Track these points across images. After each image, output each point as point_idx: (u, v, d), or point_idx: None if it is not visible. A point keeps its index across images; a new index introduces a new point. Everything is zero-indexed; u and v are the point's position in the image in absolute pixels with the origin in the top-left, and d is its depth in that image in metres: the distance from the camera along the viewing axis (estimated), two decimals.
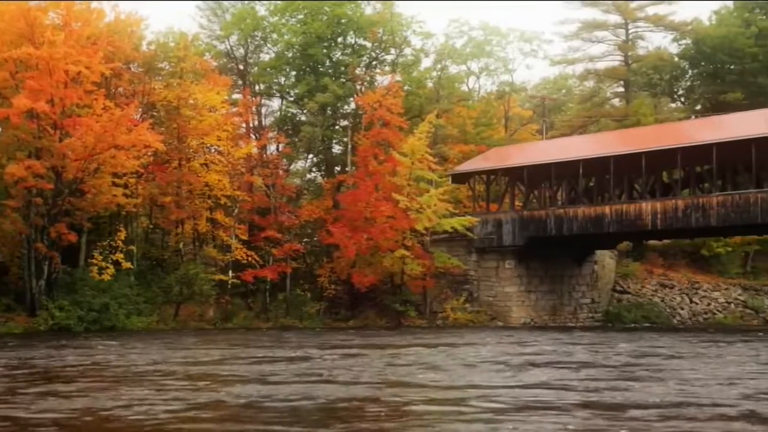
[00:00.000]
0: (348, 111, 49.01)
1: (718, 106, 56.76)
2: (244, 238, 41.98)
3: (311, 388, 14.86)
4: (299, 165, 51.59)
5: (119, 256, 37.66)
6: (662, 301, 47.56)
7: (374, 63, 49.77)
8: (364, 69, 48.73)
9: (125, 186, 37.73)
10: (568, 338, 30.47)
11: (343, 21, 48.41)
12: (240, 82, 48.40)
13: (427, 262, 41.27)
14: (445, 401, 13.76)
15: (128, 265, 38.05)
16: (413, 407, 13.03)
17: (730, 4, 62.83)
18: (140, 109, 40.42)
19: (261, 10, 49.60)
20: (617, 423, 11.47)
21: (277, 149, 47.40)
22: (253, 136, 46.46)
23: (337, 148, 50.61)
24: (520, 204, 45.16)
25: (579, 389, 14.73)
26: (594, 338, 30.61)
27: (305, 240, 46.13)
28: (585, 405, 12.97)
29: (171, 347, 25.87)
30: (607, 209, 39.96)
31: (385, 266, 40.93)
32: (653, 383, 15.48)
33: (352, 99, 47.93)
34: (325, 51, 48.40)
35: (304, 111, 48.10)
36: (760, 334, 34.96)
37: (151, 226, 44.34)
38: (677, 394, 14.07)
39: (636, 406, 12.76)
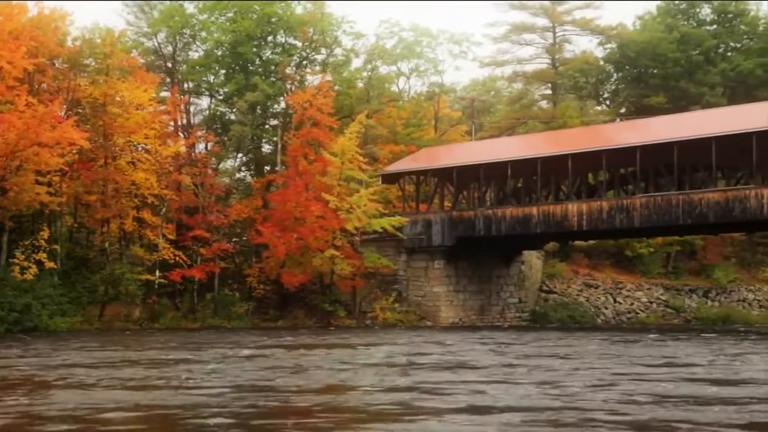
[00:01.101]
0: (278, 110, 48.77)
1: (641, 110, 58.00)
2: (172, 237, 41.47)
3: (128, 395, 14.35)
4: (228, 164, 51.20)
5: (42, 255, 36.87)
6: (587, 300, 48.41)
7: (305, 62, 49.61)
8: (294, 68, 48.53)
9: (49, 184, 36.97)
10: (482, 338, 30.75)
11: (273, 20, 48.14)
12: (168, 79, 47.79)
13: (356, 262, 41.31)
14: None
15: (52, 264, 37.30)
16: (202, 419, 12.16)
17: (655, 7, 64.31)
18: (65, 106, 39.63)
19: (190, 7, 49.07)
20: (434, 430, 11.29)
21: (206, 148, 46.93)
22: (182, 135, 45.94)
23: (266, 148, 50.32)
24: (450, 204, 45.52)
25: (436, 392, 14.56)
26: (507, 338, 30.92)
27: (234, 240, 45.76)
28: (421, 409, 12.69)
29: (80, 348, 25.36)
30: (534, 210, 40.53)
31: (315, 266, 40.86)
32: (519, 386, 15.38)
33: (282, 98, 47.71)
34: (255, 50, 48.07)
35: (234, 110, 47.71)
36: (678, 333, 35.84)
37: (75, 225, 43.51)
38: (534, 397, 13.96)
39: (473, 410, 12.57)
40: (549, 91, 63.54)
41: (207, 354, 23.15)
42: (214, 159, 47.28)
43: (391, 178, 46.36)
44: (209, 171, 44.76)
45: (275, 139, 47.32)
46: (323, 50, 49.81)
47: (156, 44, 48.36)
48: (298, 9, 49.81)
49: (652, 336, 32.24)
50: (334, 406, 13.34)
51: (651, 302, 49.50)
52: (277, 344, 27.35)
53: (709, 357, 21.98)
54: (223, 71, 49.30)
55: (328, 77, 47.54)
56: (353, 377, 17.36)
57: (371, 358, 21.66)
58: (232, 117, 48.63)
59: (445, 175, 44.84)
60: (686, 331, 37.90)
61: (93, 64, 41.65)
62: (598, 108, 66.13)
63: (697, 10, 63.81)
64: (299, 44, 49.29)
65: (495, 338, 30.70)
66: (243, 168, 52.41)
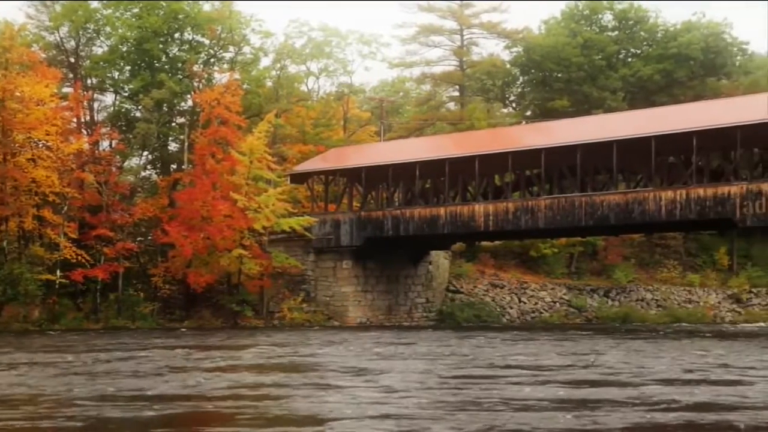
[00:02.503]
0: (185, 108, 48.12)
1: (546, 112, 59.24)
2: (74, 236, 40.47)
3: None
4: (133, 162, 50.19)
5: None
6: (493, 300, 49.14)
7: (212, 60, 49.03)
8: (201, 66, 47.91)
9: None
10: (370, 338, 30.88)
11: (180, 16, 47.44)
12: (71, 75, 46.61)
13: (264, 262, 41.08)
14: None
15: None
16: None
17: (560, 13, 65.70)
18: None
19: (94, 2, 47.97)
20: None
21: (110, 145, 45.94)
22: (85, 132, 44.87)
23: (173, 146, 49.52)
24: (358, 205, 45.63)
25: (221, 397, 14.42)
26: (396, 338, 31.05)
27: (139, 239, 44.96)
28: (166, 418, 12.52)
29: None
30: (442, 210, 40.94)
31: (222, 266, 40.47)
32: (320, 390, 15.49)
33: (189, 96, 47.07)
34: (161, 46, 47.29)
35: (139, 107, 46.82)
36: (571, 331, 36.68)
37: None
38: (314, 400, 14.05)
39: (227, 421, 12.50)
40: (457, 93, 64.27)
41: (54, 357, 22.22)
42: (118, 157, 46.32)
43: (299, 178, 46.23)
44: (113, 169, 43.88)
45: (182, 137, 46.64)
46: (231, 48, 49.32)
47: (58, 39, 47.12)
48: (206, 6, 49.24)
49: (544, 335, 32.70)
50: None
51: (554, 302, 50.54)
52: (156, 345, 26.66)
53: (564, 357, 22.32)
54: (128, 67, 48.31)
55: (237, 75, 47.07)
56: (150, 382, 16.62)
57: (224, 361, 21.12)
58: (138, 114, 47.72)
59: (353, 175, 44.93)
60: (586, 330, 38.84)
61: None
62: (505, 110, 67.20)
63: (600, 16, 65.47)
64: (207, 42, 48.69)
65: (380, 338, 30.79)
66: (149, 166, 51.50)
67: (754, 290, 54.60)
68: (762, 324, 47.54)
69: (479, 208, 39.81)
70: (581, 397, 14.69)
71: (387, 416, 12.32)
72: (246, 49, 49.97)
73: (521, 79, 66.00)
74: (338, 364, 20.41)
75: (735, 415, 12.58)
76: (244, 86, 47.14)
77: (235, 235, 40.14)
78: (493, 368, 19.57)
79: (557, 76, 61.16)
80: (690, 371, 18.72)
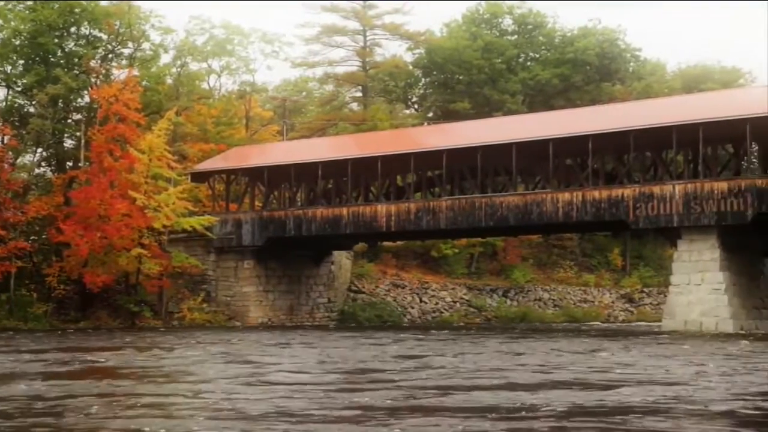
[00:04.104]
0: (82, 104, 46.94)
1: (448, 114, 60.00)
2: None
3: None
4: (27, 159, 48.65)
5: None
6: (395, 300, 49.49)
7: (110, 56, 47.94)
8: (99, 61, 46.80)
9: None
10: (252, 341, 30.39)
11: (76, 10, 46.21)
12: None
13: (164, 262, 40.45)
14: None
15: None
16: None
17: (461, 16, 66.63)
18: None
19: None
20: None
21: (2, 142, 44.48)
22: None
23: (69, 143, 48.23)
24: (260, 204, 45.35)
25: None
26: (286, 338, 30.79)
27: (33, 238, 43.61)
28: None
29: None
30: (344, 211, 41.03)
31: (121, 265, 39.67)
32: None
33: (86, 92, 45.93)
34: (57, 41, 45.97)
35: (34, 102, 45.46)
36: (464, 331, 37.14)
37: None
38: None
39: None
40: (360, 94, 64.50)
41: None
42: (11, 153, 44.87)
43: (200, 177, 45.68)
44: (5, 166, 42.45)
45: (78, 134, 45.50)
46: (130, 44, 48.32)
47: None
48: (104, 1, 48.16)
49: (420, 336, 32.66)
50: None
51: (455, 302, 51.20)
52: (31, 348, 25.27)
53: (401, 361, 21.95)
54: (21, 61, 46.88)
55: (136, 72, 46.13)
56: None
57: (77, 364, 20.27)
58: (32, 110, 46.34)
59: (255, 174, 44.63)
60: (481, 329, 39.45)
61: None
62: (407, 111, 67.77)
63: (500, 20, 66.68)
64: (105, 37, 47.59)
65: (269, 339, 30.47)
66: (43, 163, 50.02)
67: (645, 290, 56.44)
68: (653, 323, 49.13)
69: (381, 208, 40.03)
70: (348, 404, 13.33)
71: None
72: (145, 45, 49.02)
73: (423, 80, 66.67)
74: (171, 369, 19.21)
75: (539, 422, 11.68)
76: (144, 83, 46.30)
77: (134, 234, 39.40)
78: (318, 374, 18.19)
79: (459, 79, 61.98)
80: (535, 371, 18.30)
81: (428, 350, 24.32)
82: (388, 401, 13.39)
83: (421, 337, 32.11)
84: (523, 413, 12.13)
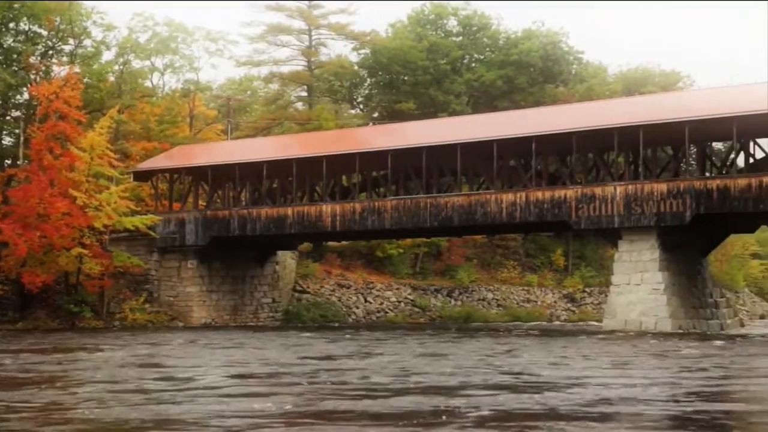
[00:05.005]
0: (21, 101, 46.10)
1: (393, 115, 60.16)
2: None
3: None
4: None
5: None
6: (339, 300, 49.45)
7: (51, 52, 47.15)
8: (39, 58, 46.03)
9: None
10: (196, 338, 30.23)
11: (15, 6, 45.36)
12: None
13: (105, 261, 39.89)
14: None
15: None
16: None
17: (406, 17, 66.81)
18: None
19: None
20: None
21: None
22: None
23: (7, 140, 47.36)
24: (204, 204, 44.98)
25: None
26: (215, 339, 30.46)
27: None
28: None
29: None
30: (289, 210, 40.89)
31: (61, 265, 39.02)
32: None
33: (25, 89, 45.12)
34: None
35: None
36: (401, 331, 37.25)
37: None
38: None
39: None
40: (305, 93, 64.29)
41: None
42: None
43: (143, 176, 45.15)
44: None
45: (17, 131, 44.69)
46: (71, 41, 47.60)
47: None
48: None
49: (347, 336, 32.60)
50: None
51: (400, 301, 51.34)
52: None
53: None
54: None
55: (77, 69, 45.45)
56: None
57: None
58: None
59: (199, 173, 44.25)
60: (420, 329, 39.62)
61: None
62: (353, 111, 67.78)
63: (445, 21, 67.04)
64: (45, 33, 46.81)
65: (195, 339, 30.15)
66: None
67: (587, 290, 57.18)
68: (594, 322, 49.80)
69: (326, 208, 39.98)
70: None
71: None
72: (87, 42, 48.33)
73: (369, 81, 66.74)
74: (59, 374, 18.47)
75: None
76: (85, 80, 45.60)
77: (74, 233, 38.79)
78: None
79: (404, 79, 62.16)
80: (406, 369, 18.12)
81: (355, 351, 24.12)
82: (288, 407, 12.65)
83: (347, 336, 32.05)
84: (443, 418, 11.61)
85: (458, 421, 11.45)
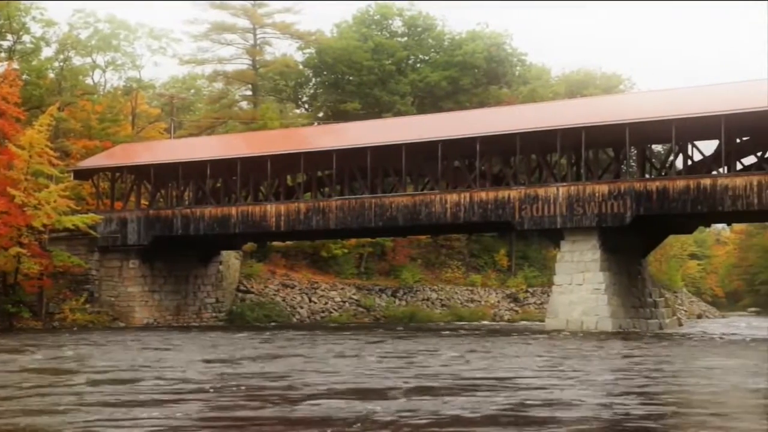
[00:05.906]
0: None
1: (338, 114, 60.12)
2: None
3: None
4: None
5: None
6: (284, 300, 49.26)
7: None
8: None
9: None
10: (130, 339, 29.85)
11: None
12: None
13: (44, 261, 39.19)
14: None
15: None
16: None
17: (353, 15, 66.83)
18: None
19: None
20: None
21: None
22: None
23: None
24: (147, 203, 44.47)
25: None
26: (151, 340, 30.11)
27: None
28: None
29: None
30: (233, 210, 40.62)
31: None
32: None
33: None
34: None
35: None
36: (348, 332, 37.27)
37: None
38: None
39: None
40: (250, 92, 63.91)
41: None
42: None
43: (84, 174, 44.45)
44: None
45: None
46: (9, 36, 46.78)
47: None
48: None
49: (290, 335, 32.46)
50: None
51: (344, 301, 51.30)
52: None
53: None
54: None
55: (15, 65, 44.66)
56: None
57: None
58: None
59: (142, 172, 43.73)
60: (362, 329, 39.67)
61: None
62: (298, 111, 67.58)
63: (390, 21, 67.23)
64: None
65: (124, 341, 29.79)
66: None
67: (530, 290, 57.74)
68: (537, 322, 50.31)
69: (271, 208, 39.80)
70: None
71: None
72: (26, 37, 47.56)
73: (314, 80, 66.62)
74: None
75: None
76: (24, 77, 44.83)
77: (12, 232, 38.05)
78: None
79: (349, 79, 62.18)
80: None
81: (287, 351, 23.83)
82: (195, 414, 12.06)
83: (268, 336, 31.80)
84: (357, 425, 11.13)
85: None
